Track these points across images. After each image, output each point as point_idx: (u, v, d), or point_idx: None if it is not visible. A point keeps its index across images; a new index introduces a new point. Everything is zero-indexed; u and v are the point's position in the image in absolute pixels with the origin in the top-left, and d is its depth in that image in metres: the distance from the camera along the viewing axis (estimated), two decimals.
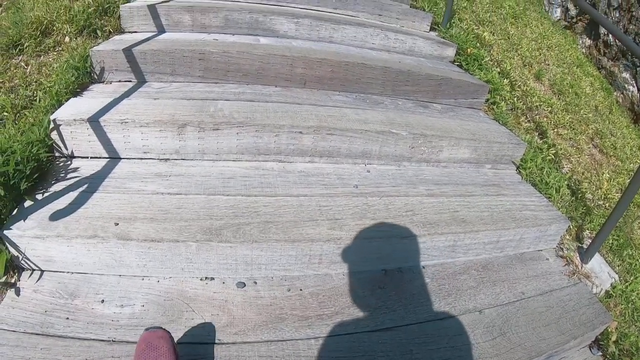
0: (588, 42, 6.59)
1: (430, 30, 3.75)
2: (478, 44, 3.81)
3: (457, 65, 3.42)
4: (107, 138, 2.00)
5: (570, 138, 3.66)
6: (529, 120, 3.43)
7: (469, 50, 3.36)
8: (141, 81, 2.45)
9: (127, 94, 2.27)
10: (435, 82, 2.87)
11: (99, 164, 1.99)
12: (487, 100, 3.17)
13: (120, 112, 2.04)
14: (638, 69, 6.24)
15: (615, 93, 6.39)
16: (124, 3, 2.85)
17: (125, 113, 2.03)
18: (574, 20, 6.73)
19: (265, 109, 2.26)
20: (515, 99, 3.46)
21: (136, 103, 2.17)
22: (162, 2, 2.88)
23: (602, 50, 6.49)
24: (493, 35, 4.21)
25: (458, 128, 2.59)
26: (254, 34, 2.95)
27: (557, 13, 6.89)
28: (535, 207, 2.46)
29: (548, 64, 4.63)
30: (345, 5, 3.49)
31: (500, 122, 3.01)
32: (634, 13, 6.28)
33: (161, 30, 2.86)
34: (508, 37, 4.40)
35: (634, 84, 6.35)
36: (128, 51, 2.36)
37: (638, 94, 6.32)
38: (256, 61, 2.50)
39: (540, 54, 4.60)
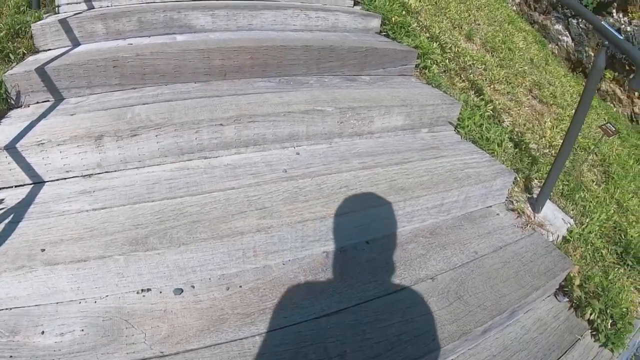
0: None
1: (354, 5, 3.67)
2: (404, 12, 3.75)
3: (384, 35, 3.34)
4: (27, 163, 1.85)
5: (507, 92, 3.65)
6: (463, 80, 3.38)
7: (394, 19, 3.29)
8: (58, 99, 2.28)
9: (44, 115, 2.10)
10: (360, 54, 2.78)
11: (23, 192, 1.84)
12: (418, 65, 3.10)
13: (37, 134, 1.88)
14: (570, 19, 6.34)
15: (550, 45, 6.48)
16: (35, 21, 2.67)
17: (41, 134, 1.87)
18: None
19: (184, 107, 2.13)
20: (447, 60, 3.41)
21: (53, 122, 2.01)
22: (73, 14, 2.70)
23: (532, 6, 6.57)
24: (419, 2, 4.16)
25: (387, 96, 2.52)
26: (170, 33, 2.80)
27: None
28: (477, 164, 2.41)
29: (479, 24, 4.61)
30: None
31: (433, 85, 2.95)
32: None
33: (76, 43, 2.68)
34: (435, 3, 4.37)
35: (568, 34, 6.45)
36: (41, 70, 2.19)
37: (572, 44, 6.42)
38: (172, 60, 2.36)
39: (470, 15, 4.59)
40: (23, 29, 2.60)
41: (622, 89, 6.00)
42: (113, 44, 2.60)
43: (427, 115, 2.56)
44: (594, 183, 3.06)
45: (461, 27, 4.21)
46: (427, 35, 3.55)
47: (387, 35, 3.31)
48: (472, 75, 3.47)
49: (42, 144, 1.83)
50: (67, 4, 2.98)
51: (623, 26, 5.85)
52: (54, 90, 2.28)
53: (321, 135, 2.26)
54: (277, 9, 2.96)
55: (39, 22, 2.59)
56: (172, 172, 1.99)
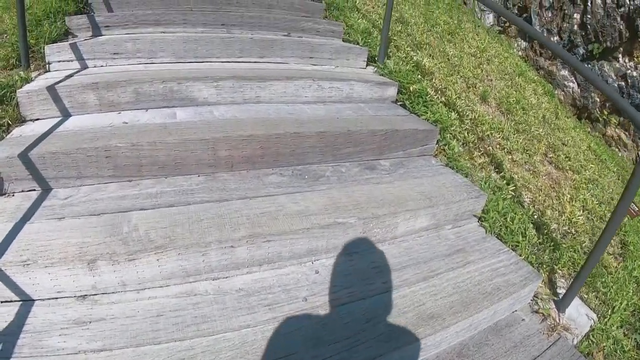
0: (523, 44, 6.52)
1: (367, 65, 3.45)
2: (419, 73, 3.55)
3: (400, 104, 3.12)
4: (12, 281, 1.58)
5: (525, 162, 3.47)
6: (482, 154, 3.18)
7: (411, 87, 3.07)
8: (45, 189, 2.02)
9: (29, 214, 1.83)
10: (380, 137, 2.56)
11: (10, 312, 1.56)
12: (438, 142, 2.89)
13: (21, 247, 1.61)
14: None
15: (556, 91, 6.35)
16: (21, 85, 2.41)
17: (26, 248, 1.60)
18: (507, 24, 6.65)
19: (187, 218, 1.86)
20: (466, 132, 3.21)
21: (39, 230, 1.73)
22: (61, 80, 2.44)
23: (538, 51, 6.43)
24: (432, 59, 3.97)
25: (412, 194, 2.28)
26: (169, 106, 2.55)
27: (490, 19, 6.79)
28: (505, 268, 2.20)
29: (491, 79, 4.44)
30: (271, 53, 3.13)
31: (455, 168, 2.73)
32: (566, 11, 6.23)
33: (66, 114, 2.42)
34: (448, 59, 4.17)
35: (573, 80, 6.32)
36: (25, 158, 1.93)
37: (578, 90, 6.29)
38: (172, 150, 2.10)
39: (481, 71, 4.40)
40: (8, 94, 2.36)
41: (627, 133, 5.89)
42: (106, 121, 2.36)
43: (453, 212, 2.34)
44: (612, 257, 2.91)
45: (475, 87, 4.02)
46: (443, 100, 3.35)
47: (404, 105, 3.09)
48: (490, 147, 3.28)
49: (27, 264, 1.57)
50: (59, 61, 2.74)
51: (629, 71, 5.74)
52: (40, 180, 2.02)
53: (342, 247, 2.01)
54: (287, 79, 2.72)
55: (25, 88, 2.35)
56: (178, 300, 1.72)
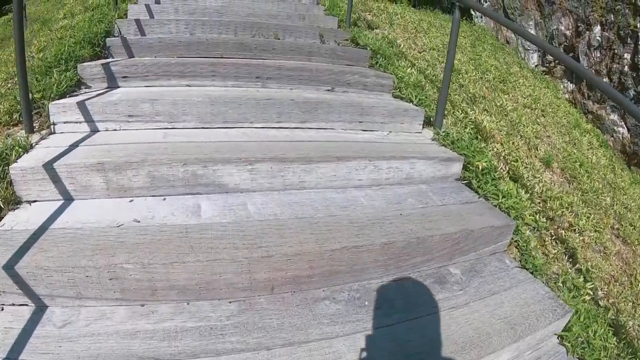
0: (570, 86, 5.95)
1: (422, 128, 2.90)
2: (480, 137, 3.03)
3: (465, 183, 2.57)
4: None
5: (595, 239, 2.99)
6: (554, 239, 2.66)
7: (479, 165, 2.52)
8: (40, 306, 1.53)
9: (18, 346, 1.37)
10: (452, 241, 2.02)
11: None
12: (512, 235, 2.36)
13: None
14: None
15: (605, 136, 5.78)
16: (16, 160, 1.93)
17: None
18: (552, 64, 6.09)
19: None
20: (537, 215, 2.67)
21: None
22: (63, 153, 1.97)
23: (586, 94, 5.86)
24: (490, 115, 3.44)
25: (493, 321, 1.74)
26: (193, 193, 2.02)
27: (534, 59, 6.23)
28: None
29: (549, 136, 3.91)
30: (315, 117, 2.59)
31: (532, 268, 2.20)
32: (615, 51, 5.67)
33: (67, 197, 1.94)
34: (506, 114, 3.64)
35: (623, 125, 5.74)
36: (10, 270, 1.45)
37: (628, 135, 5.71)
38: (195, 274, 1.58)
39: (540, 127, 3.87)
40: (0, 169, 1.91)
41: None
42: (114, 215, 1.86)
43: (536, 339, 1.82)
44: None
45: (536, 148, 3.49)
46: (509, 170, 2.82)
47: (469, 184, 2.55)
48: (561, 229, 2.76)
49: None
50: (65, 122, 2.30)
51: None
52: (32, 296, 1.54)
53: None
54: (338, 160, 2.18)
55: (19, 164, 1.89)
56: None
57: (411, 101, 3.01)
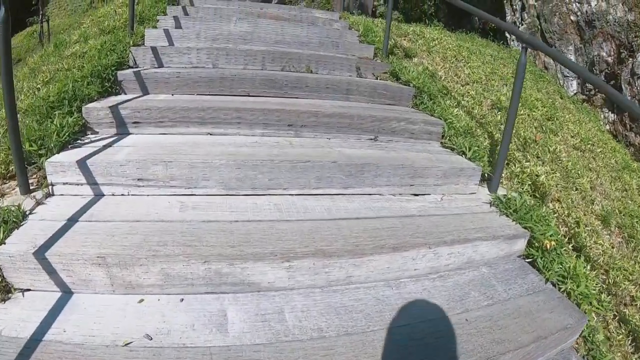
0: (612, 116, 5.49)
1: (478, 186, 2.47)
2: (536, 194, 2.62)
3: (530, 262, 2.14)
4: None
5: None
6: (619, 319, 2.25)
7: (547, 244, 2.09)
8: None
9: None
10: (523, 354, 1.62)
11: None
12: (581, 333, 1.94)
13: None
14: None
15: None
16: (4, 239, 1.56)
17: None
18: (592, 92, 5.62)
19: None
20: (602, 295, 2.25)
21: None
22: (52, 241, 1.57)
23: (628, 125, 5.40)
24: (543, 164, 3.02)
25: None
26: (217, 292, 1.61)
27: (573, 86, 5.76)
28: None
29: (602, 184, 3.47)
30: (360, 182, 2.15)
31: None
32: None
33: (65, 290, 1.57)
34: (560, 161, 3.21)
35: None
36: None
37: None
38: None
39: (592, 173, 3.44)
40: None
41: None
42: (120, 326, 1.48)
43: None
44: None
45: (593, 202, 3.05)
46: (573, 240, 2.40)
47: (533, 263, 2.13)
48: (625, 305, 2.36)
49: None
50: (64, 183, 1.89)
51: None
52: None
53: None
54: (394, 251, 1.76)
55: (7, 247, 1.53)
56: None
57: (464, 154, 2.58)
